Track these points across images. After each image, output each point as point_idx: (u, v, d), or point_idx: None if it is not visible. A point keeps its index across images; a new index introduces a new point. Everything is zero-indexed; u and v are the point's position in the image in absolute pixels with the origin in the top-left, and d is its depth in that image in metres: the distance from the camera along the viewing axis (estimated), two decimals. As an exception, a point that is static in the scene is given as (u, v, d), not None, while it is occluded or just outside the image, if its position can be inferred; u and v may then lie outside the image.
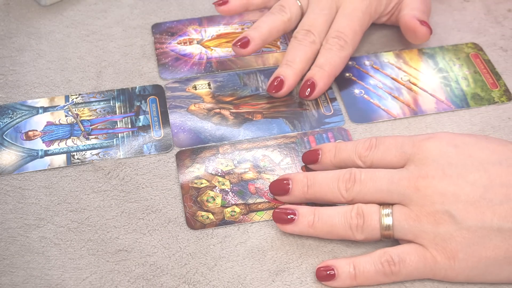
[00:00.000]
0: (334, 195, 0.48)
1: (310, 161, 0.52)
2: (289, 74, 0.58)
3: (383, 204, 0.47)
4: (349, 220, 0.47)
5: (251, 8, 0.63)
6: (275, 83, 0.58)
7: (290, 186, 0.50)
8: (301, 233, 0.49)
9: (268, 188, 0.52)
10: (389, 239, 0.47)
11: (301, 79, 0.59)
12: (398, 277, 0.46)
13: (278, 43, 0.64)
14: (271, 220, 0.51)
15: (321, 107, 0.59)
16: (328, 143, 0.53)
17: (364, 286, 0.46)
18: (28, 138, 0.56)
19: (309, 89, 0.58)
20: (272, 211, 0.51)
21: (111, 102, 0.59)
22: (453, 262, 0.45)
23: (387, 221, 0.46)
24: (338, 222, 0.47)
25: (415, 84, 0.60)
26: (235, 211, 0.51)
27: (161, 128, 0.57)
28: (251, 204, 0.52)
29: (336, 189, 0.48)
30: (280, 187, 0.50)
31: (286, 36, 0.65)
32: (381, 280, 0.46)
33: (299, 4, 0.61)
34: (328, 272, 0.46)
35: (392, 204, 0.47)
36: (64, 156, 0.55)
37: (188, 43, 0.64)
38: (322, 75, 0.58)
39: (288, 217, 0.48)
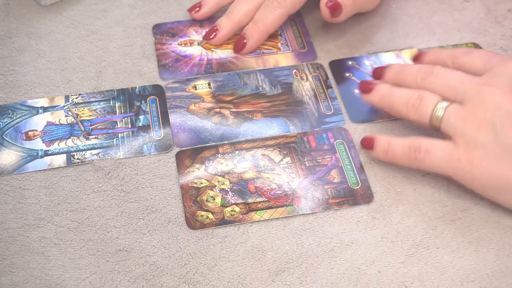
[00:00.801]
0: (411, 82, 0.53)
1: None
2: (225, 23, 0.63)
3: (446, 99, 0.51)
4: (409, 98, 0.52)
5: (225, 4, 0.66)
6: (211, 32, 0.63)
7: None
8: (374, 103, 0.55)
9: (267, 187, 0.52)
10: (436, 129, 0.51)
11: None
12: (421, 165, 0.51)
13: (279, 44, 0.64)
14: (271, 219, 0.51)
15: (321, 106, 0.59)
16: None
17: (393, 163, 0.53)
18: (28, 138, 0.56)
19: (241, 44, 0.62)
20: (271, 210, 0.51)
21: (111, 102, 0.59)
22: (475, 168, 0.48)
23: (439, 112, 0.50)
24: (400, 98, 0.52)
25: (415, 84, 0.60)
26: (235, 211, 0.51)
27: (161, 128, 0.57)
28: (251, 203, 0.52)
29: (414, 78, 0.53)
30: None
31: (287, 37, 0.65)
32: (406, 162, 0.52)
33: None
34: (369, 143, 0.53)
35: (453, 102, 0.50)
36: (64, 156, 0.55)
37: (188, 44, 0.64)
38: (253, 31, 0.62)
39: (369, 86, 0.55)
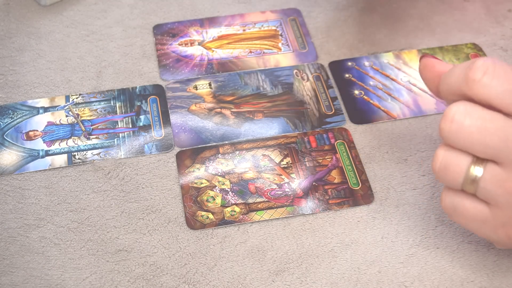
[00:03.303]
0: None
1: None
2: None
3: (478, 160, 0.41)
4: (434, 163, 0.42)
5: None
6: None
7: None
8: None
9: (267, 187, 0.52)
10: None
11: None
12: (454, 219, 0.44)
13: (280, 44, 0.64)
14: (271, 219, 0.51)
15: (322, 106, 0.59)
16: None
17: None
18: (29, 138, 0.56)
19: None
20: (272, 210, 0.51)
21: (112, 102, 0.59)
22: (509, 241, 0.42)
23: (473, 177, 0.41)
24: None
25: (415, 85, 0.60)
26: (235, 211, 0.51)
27: (162, 127, 0.57)
28: (251, 203, 0.52)
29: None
30: None
31: (287, 37, 0.65)
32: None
33: None
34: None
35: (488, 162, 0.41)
36: (65, 156, 0.55)
37: (189, 44, 0.64)
38: None
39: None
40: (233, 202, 0.52)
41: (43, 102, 0.59)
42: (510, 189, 0.40)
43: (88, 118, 0.58)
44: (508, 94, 0.39)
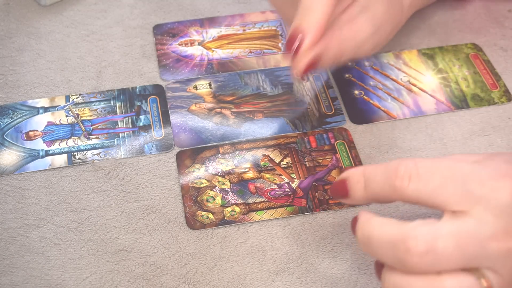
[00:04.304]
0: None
1: (340, 196, 0.44)
2: None
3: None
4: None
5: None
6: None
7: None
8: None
9: (267, 187, 0.52)
10: None
11: None
12: None
13: (280, 44, 0.64)
14: (271, 219, 0.51)
15: (322, 106, 0.59)
16: (355, 169, 0.43)
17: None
18: (29, 138, 0.56)
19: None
20: (272, 210, 0.51)
21: (112, 102, 0.59)
22: None
23: None
24: None
25: (414, 85, 0.60)
26: (235, 211, 0.51)
27: (162, 127, 0.57)
28: (251, 203, 0.52)
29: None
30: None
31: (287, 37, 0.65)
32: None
33: None
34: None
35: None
36: (65, 156, 0.55)
37: (189, 44, 0.64)
38: None
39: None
40: (233, 202, 0.52)
41: (43, 102, 0.59)
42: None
43: (88, 118, 0.58)
44: (440, 190, 0.38)
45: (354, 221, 0.42)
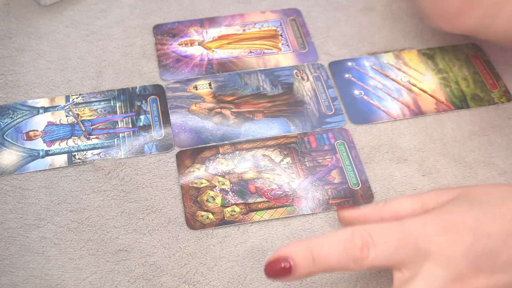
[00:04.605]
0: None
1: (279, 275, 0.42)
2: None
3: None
4: None
5: None
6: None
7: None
8: None
9: (267, 187, 0.52)
10: None
11: None
12: None
13: (280, 44, 0.64)
14: (271, 220, 0.51)
15: (322, 106, 0.59)
16: (295, 246, 0.41)
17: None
18: (29, 138, 0.56)
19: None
20: (272, 210, 0.51)
21: (112, 102, 0.59)
22: None
23: None
24: None
25: (414, 85, 0.60)
26: (235, 211, 0.51)
27: (162, 127, 0.57)
28: (251, 203, 0.52)
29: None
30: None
31: (287, 37, 0.65)
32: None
33: None
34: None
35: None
36: (65, 156, 0.55)
37: (189, 44, 0.64)
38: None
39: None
40: (233, 202, 0.52)
41: (43, 102, 0.59)
42: None
43: (88, 118, 0.58)
44: (396, 254, 0.41)
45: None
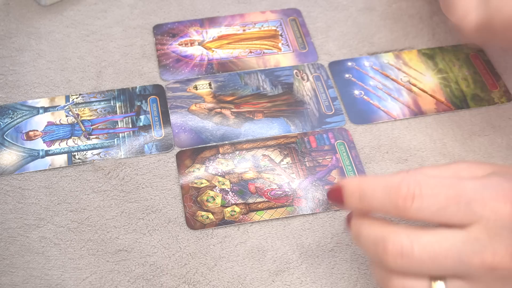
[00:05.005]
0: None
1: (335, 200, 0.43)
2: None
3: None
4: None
5: None
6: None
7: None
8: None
9: (267, 187, 0.52)
10: None
11: None
12: None
13: (280, 44, 0.64)
14: (271, 220, 0.51)
15: (322, 106, 0.59)
16: (351, 180, 0.42)
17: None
18: (29, 138, 0.56)
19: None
20: (272, 210, 0.51)
21: (112, 102, 0.59)
22: None
23: None
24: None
25: (414, 85, 0.60)
26: (235, 211, 0.51)
27: (162, 127, 0.57)
28: (251, 203, 0.52)
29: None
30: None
31: (287, 37, 0.65)
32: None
33: None
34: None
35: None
36: (65, 156, 0.55)
37: (189, 44, 0.64)
38: None
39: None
40: (233, 202, 0.52)
41: (43, 102, 0.59)
42: None
43: (88, 118, 0.58)
44: (443, 211, 0.39)
45: (349, 217, 0.43)
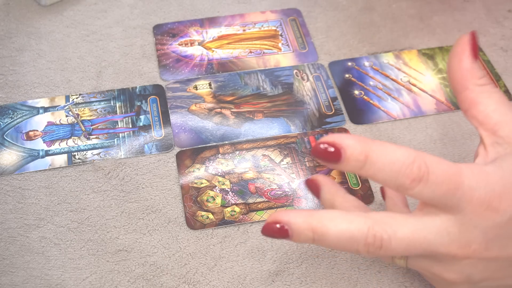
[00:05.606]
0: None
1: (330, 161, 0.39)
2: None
3: None
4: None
5: None
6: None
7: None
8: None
9: (267, 187, 0.52)
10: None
11: None
12: None
13: (280, 44, 0.64)
14: (271, 220, 0.51)
15: (322, 106, 0.59)
16: (355, 141, 0.39)
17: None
18: (29, 138, 0.56)
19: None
20: (272, 210, 0.51)
21: (112, 102, 0.59)
22: None
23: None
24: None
25: (414, 85, 0.60)
26: (235, 211, 0.51)
27: (162, 127, 0.57)
28: (251, 203, 0.52)
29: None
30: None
31: (287, 37, 0.65)
32: None
33: None
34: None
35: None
36: (65, 156, 0.55)
37: (189, 44, 0.64)
38: None
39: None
40: (233, 202, 0.52)
41: (43, 102, 0.59)
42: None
43: (88, 118, 0.58)
44: (441, 198, 0.39)
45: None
